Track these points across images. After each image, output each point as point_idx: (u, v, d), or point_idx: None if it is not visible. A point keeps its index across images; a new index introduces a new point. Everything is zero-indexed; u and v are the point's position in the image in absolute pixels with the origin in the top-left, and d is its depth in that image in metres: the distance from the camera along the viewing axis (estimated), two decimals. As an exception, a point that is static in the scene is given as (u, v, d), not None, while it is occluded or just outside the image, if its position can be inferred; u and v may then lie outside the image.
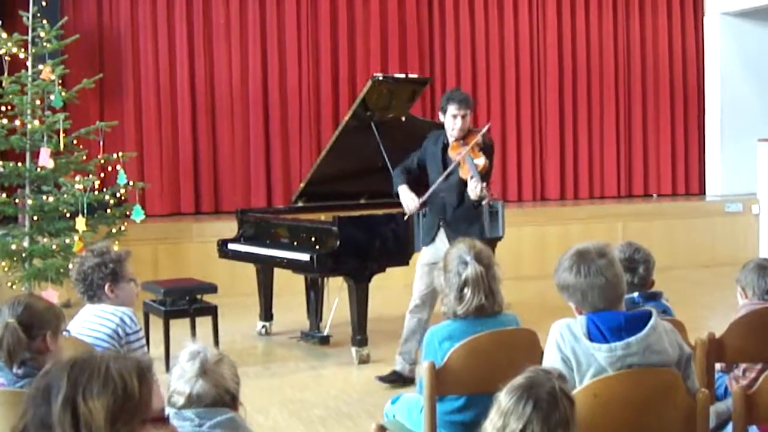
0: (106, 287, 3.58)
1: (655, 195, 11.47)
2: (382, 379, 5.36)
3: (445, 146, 5.29)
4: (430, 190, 5.19)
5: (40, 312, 2.84)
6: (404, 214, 5.45)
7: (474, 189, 4.93)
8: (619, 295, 2.62)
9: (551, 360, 2.56)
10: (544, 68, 11.09)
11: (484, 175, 5.06)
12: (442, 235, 5.29)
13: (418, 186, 5.41)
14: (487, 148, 5.27)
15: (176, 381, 2.29)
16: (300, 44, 10.16)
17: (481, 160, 5.11)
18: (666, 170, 11.59)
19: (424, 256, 5.41)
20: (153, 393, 1.66)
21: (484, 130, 5.35)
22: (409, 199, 5.30)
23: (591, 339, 2.51)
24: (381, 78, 6.26)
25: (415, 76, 7.99)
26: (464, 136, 5.23)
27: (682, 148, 11.66)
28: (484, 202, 5.07)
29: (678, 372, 2.55)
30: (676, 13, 11.56)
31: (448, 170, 5.14)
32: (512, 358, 2.79)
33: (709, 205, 10.88)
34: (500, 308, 3.28)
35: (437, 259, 5.18)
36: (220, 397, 2.27)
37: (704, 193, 11.59)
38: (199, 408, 2.25)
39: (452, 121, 5.22)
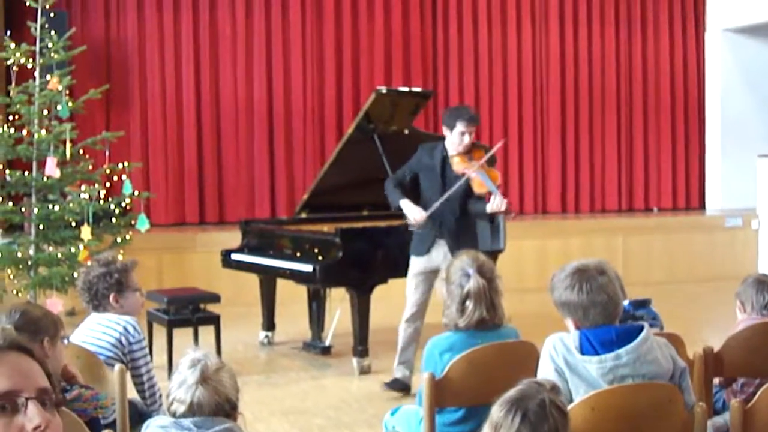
0: (111, 297, 3.62)
1: (655, 209, 11.51)
2: (388, 384, 5.39)
3: (444, 159, 5.29)
4: (437, 204, 5.18)
5: (37, 318, 2.88)
6: (407, 226, 5.42)
7: (500, 203, 5.01)
8: (618, 311, 2.68)
9: (545, 372, 2.61)
10: (546, 81, 11.15)
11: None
12: (439, 247, 5.31)
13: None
14: (492, 162, 5.34)
15: (177, 389, 2.28)
16: (305, 56, 10.23)
17: (494, 175, 5.20)
18: (666, 185, 11.64)
19: (415, 265, 5.41)
20: None
21: (497, 147, 5.43)
22: (416, 212, 5.24)
23: (583, 353, 2.56)
24: (384, 91, 6.32)
25: (418, 89, 8.07)
26: (468, 151, 5.27)
27: (682, 163, 11.71)
28: (511, 216, 5.17)
29: (675, 386, 2.59)
30: (678, 29, 11.63)
31: (458, 185, 5.16)
32: (511, 370, 2.82)
33: (708, 219, 10.91)
34: (501, 321, 3.32)
35: (430, 269, 5.25)
36: (220, 405, 2.26)
37: (704, 208, 11.64)
38: (198, 417, 2.23)
39: (460, 137, 5.22)
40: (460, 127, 5.22)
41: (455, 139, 5.25)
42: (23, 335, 2.77)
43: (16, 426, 1.44)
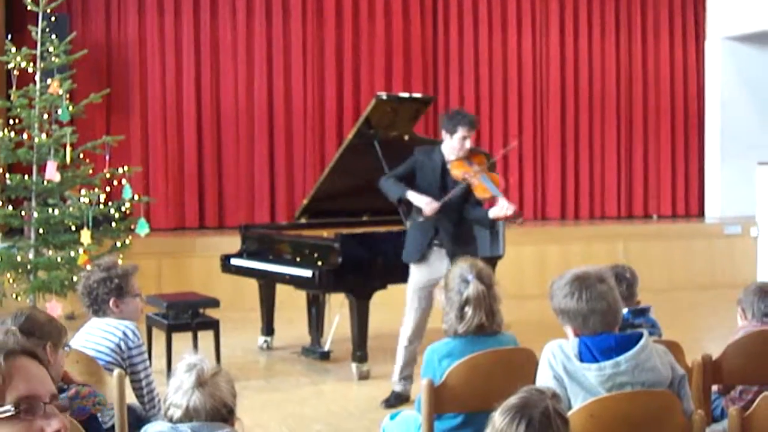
0: (111, 302, 3.62)
1: (655, 216, 11.51)
2: (387, 401, 5.35)
3: (443, 163, 5.21)
4: (448, 197, 5.09)
5: (42, 323, 2.89)
6: (415, 219, 5.28)
7: (506, 208, 4.91)
8: (618, 318, 2.68)
9: (544, 379, 2.61)
10: (546, 88, 11.17)
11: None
12: (438, 254, 5.25)
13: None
14: (492, 166, 5.30)
15: (173, 393, 2.27)
16: (305, 62, 10.24)
17: (497, 179, 5.11)
18: (666, 192, 11.65)
19: (417, 277, 5.32)
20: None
21: (510, 148, 5.37)
22: (428, 200, 5.10)
23: (582, 360, 2.57)
24: (385, 97, 6.33)
25: (418, 95, 8.07)
26: (467, 156, 5.22)
27: (682, 170, 11.72)
28: (519, 221, 5.08)
29: (674, 393, 2.60)
30: (678, 37, 11.65)
31: (459, 188, 5.09)
32: (510, 377, 2.82)
33: (708, 227, 10.92)
34: (500, 328, 3.33)
35: (434, 280, 5.21)
36: (216, 410, 2.25)
37: (703, 215, 11.64)
38: (196, 422, 2.22)
39: (461, 142, 5.14)
40: (461, 132, 5.14)
41: (456, 144, 5.17)
42: (27, 339, 2.79)
43: (35, 430, 1.46)
